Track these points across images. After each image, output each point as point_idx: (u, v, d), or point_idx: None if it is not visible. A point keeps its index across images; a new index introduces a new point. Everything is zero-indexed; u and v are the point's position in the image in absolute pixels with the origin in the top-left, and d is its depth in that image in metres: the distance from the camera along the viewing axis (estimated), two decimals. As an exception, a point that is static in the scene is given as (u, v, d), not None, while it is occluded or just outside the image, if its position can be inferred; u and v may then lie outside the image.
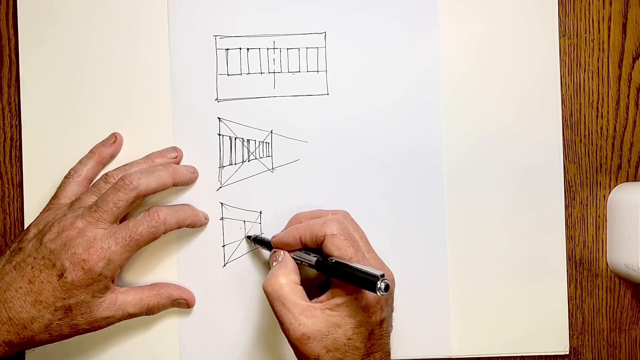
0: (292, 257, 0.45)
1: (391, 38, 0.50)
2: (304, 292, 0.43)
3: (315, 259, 0.43)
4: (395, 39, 0.50)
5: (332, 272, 0.41)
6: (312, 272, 0.48)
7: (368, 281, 0.38)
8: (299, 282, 0.44)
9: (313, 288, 0.48)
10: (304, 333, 0.41)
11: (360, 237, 0.46)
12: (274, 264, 0.45)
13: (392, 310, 0.45)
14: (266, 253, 0.49)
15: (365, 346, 0.41)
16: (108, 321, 0.45)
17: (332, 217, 0.44)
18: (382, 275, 0.38)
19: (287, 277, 0.43)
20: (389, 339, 0.44)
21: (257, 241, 0.49)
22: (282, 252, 0.45)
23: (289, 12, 0.50)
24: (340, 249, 0.42)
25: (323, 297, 0.43)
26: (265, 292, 0.43)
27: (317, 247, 0.44)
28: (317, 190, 0.50)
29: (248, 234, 0.50)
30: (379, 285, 0.38)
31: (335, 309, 0.41)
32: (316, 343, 0.41)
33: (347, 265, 0.40)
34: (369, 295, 0.41)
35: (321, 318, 0.41)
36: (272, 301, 0.42)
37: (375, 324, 0.42)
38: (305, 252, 0.44)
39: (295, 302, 0.42)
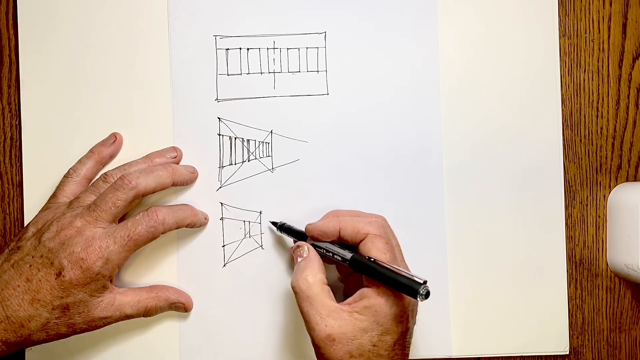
0: (320, 249, 0.44)
1: (391, 38, 0.50)
2: (331, 293, 0.42)
3: (351, 254, 0.42)
4: (395, 38, 0.50)
5: (367, 270, 0.41)
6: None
7: (410, 285, 0.38)
8: (326, 281, 0.43)
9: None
10: (329, 334, 0.40)
11: (396, 244, 0.45)
12: (299, 259, 0.44)
13: (415, 324, 0.44)
14: (266, 254, 0.49)
15: (388, 355, 0.41)
16: (105, 321, 0.45)
17: (376, 219, 0.43)
18: (425, 282, 0.38)
19: (315, 276, 0.42)
20: (409, 352, 0.43)
21: (284, 229, 0.48)
22: (306, 247, 0.45)
23: (289, 12, 0.50)
24: (379, 251, 0.42)
25: (350, 299, 0.42)
26: (294, 290, 0.42)
27: (351, 244, 0.43)
28: (317, 190, 0.50)
29: (273, 221, 0.49)
30: (421, 292, 0.38)
31: (363, 312, 0.41)
32: (341, 346, 0.40)
33: (387, 267, 0.40)
34: (398, 302, 0.41)
35: (348, 321, 0.41)
36: (299, 300, 0.42)
37: (400, 333, 0.41)
38: (338, 246, 0.44)
39: (324, 303, 0.41)
